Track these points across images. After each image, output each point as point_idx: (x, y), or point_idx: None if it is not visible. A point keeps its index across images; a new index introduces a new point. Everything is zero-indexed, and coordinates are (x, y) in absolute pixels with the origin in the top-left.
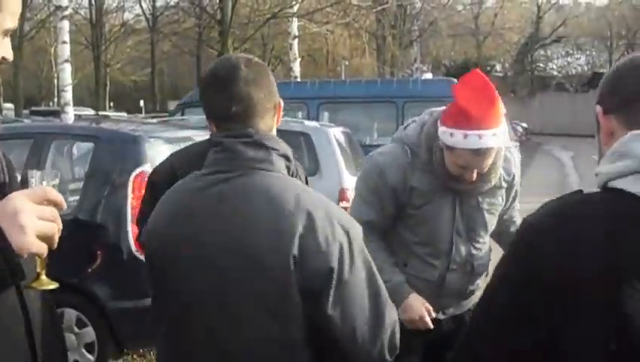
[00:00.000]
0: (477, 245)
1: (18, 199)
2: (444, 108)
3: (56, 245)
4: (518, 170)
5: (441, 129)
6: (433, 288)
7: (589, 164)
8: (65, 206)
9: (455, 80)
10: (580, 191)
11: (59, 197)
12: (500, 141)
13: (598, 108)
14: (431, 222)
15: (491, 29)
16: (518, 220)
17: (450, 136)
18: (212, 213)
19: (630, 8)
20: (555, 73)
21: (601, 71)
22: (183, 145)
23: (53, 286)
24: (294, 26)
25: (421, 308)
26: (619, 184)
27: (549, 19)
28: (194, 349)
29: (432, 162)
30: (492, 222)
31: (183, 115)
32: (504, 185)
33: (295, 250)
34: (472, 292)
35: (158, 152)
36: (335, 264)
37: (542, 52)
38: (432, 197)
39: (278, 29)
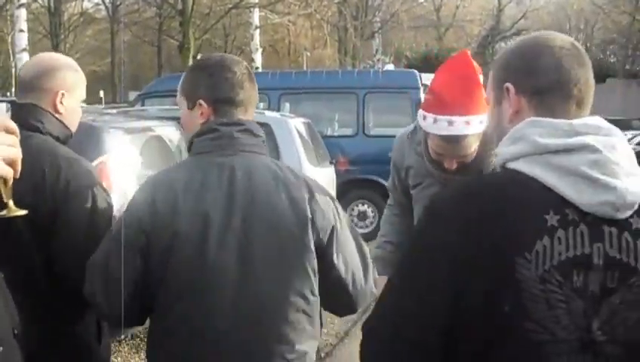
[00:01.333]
0: None
1: None
2: None
3: (19, 172)
4: None
5: (419, 111)
6: None
7: None
8: (18, 134)
9: (416, 71)
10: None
11: (14, 125)
12: (475, 129)
13: (510, 86)
14: (418, 207)
15: (452, 21)
16: None
17: (423, 118)
18: (229, 187)
19: (589, 2)
20: None
21: None
22: (142, 135)
23: (22, 212)
24: (256, 16)
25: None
26: (514, 165)
27: (510, 12)
28: (216, 314)
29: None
30: None
31: (143, 105)
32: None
33: (309, 213)
34: None
35: (118, 143)
36: (334, 222)
37: (502, 44)
38: (423, 180)
39: (240, 19)
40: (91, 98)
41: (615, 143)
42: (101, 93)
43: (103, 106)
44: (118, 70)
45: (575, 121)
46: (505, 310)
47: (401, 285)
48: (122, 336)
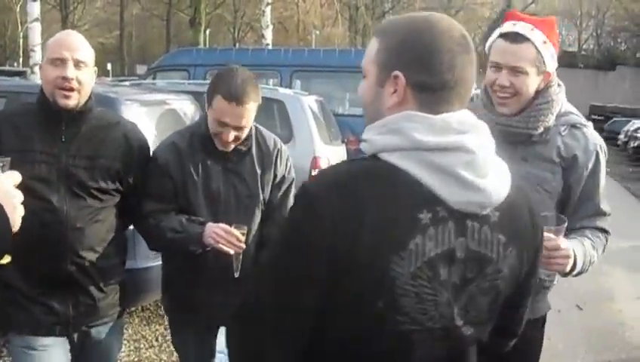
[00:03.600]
0: None
1: (9, 185)
2: None
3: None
4: (590, 157)
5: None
6: None
7: None
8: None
9: None
10: (355, 159)
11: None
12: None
13: (402, 77)
14: None
15: (463, 4)
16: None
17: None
18: None
19: None
20: None
21: (570, 49)
22: (157, 108)
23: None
24: None
25: None
26: (388, 157)
27: None
28: None
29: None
30: None
31: (154, 78)
32: (555, 159)
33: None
34: None
35: (134, 115)
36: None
37: None
38: None
39: None
40: (99, 71)
41: (485, 141)
42: (109, 66)
43: (111, 79)
44: (126, 43)
45: (451, 119)
46: (379, 306)
47: (275, 275)
48: (132, 308)
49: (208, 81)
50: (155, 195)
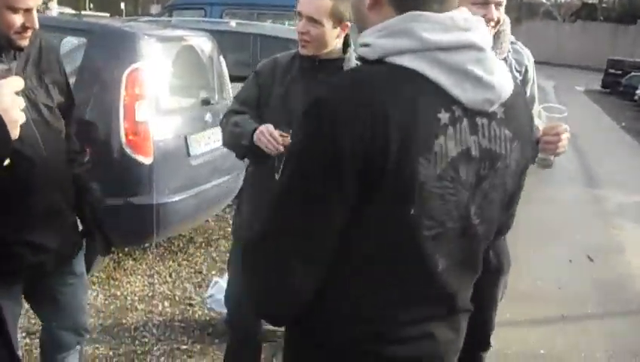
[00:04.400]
0: None
1: (10, 95)
2: None
3: None
4: (531, 66)
5: None
6: None
7: (569, 94)
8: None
9: None
10: (361, 65)
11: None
12: None
13: None
14: None
15: None
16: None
17: None
18: None
19: None
20: (544, 0)
21: (590, 1)
22: (175, 44)
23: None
24: None
25: None
26: (399, 60)
27: None
28: None
29: None
30: None
31: (170, 16)
32: (516, 75)
33: None
34: None
35: (152, 50)
36: None
37: None
38: None
39: None
40: (113, 10)
41: (487, 38)
42: (122, 5)
43: (124, 18)
44: None
45: (457, 16)
46: (411, 213)
47: (300, 196)
48: (147, 244)
49: (225, 20)
50: (240, 97)
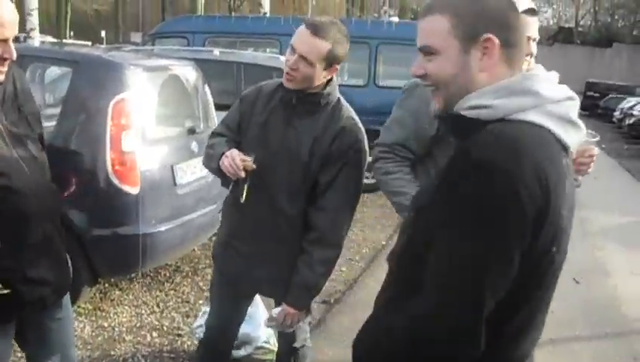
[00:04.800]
0: None
1: None
2: None
3: None
4: None
5: None
6: None
7: None
8: None
9: None
10: (496, 122)
11: None
12: None
13: (495, 39)
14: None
15: None
16: None
17: None
18: None
19: None
20: None
21: (567, 25)
22: (160, 74)
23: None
24: None
25: None
26: (524, 117)
27: None
28: None
29: None
30: None
31: (153, 44)
32: None
33: None
34: None
35: (138, 80)
36: None
37: None
38: None
39: None
40: (93, 38)
41: None
42: (103, 33)
43: (105, 47)
44: (121, 10)
45: (552, 75)
46: (552, 251)
47: (472, 250)
48: (133, 274)
49: (207, 49)
50: (225, 121)
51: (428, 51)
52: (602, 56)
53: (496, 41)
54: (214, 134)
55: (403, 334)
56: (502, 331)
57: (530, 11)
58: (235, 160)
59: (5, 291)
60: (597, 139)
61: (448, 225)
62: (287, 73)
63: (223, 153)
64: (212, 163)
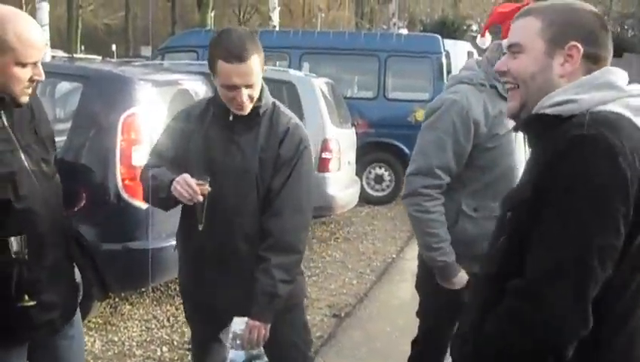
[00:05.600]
0: None
1: None
2: (495, 41)
3: None
4: None
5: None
6: None
7: None
8: None
9: (439, 36)
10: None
11: None
12: None
13: (580, 47)
14: (511, 153)
15: None
16: None
17: None
18: None
19: None
20: None
21: None
22: (170, 88)
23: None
24: None
25: (465, 277)
26: (604, 108)
27: None
28: None
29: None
30: None
31: (162, 59)
32: None
33: None
34: None
35: (148, 95)
36: None
37: None
38: (507, 125)
39: None
40: (104, 52)
41: None
42: (113, 47)
43: (116, 60)
44: (131, 25)
45: (623, 71)
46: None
47: (576, 232)
48: (144, 289)
49: None
50: (155, 152)
51: (515, 49)
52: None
53: (581, 50)
54: (147, 167)
55: (523, 320)
56: (608, 312)
57: None
58: (192, 185)
59: (31, 303)
60: None
61: (558, 204)
62: (237, 106)
63: (173, 180)
64: (160, 193)
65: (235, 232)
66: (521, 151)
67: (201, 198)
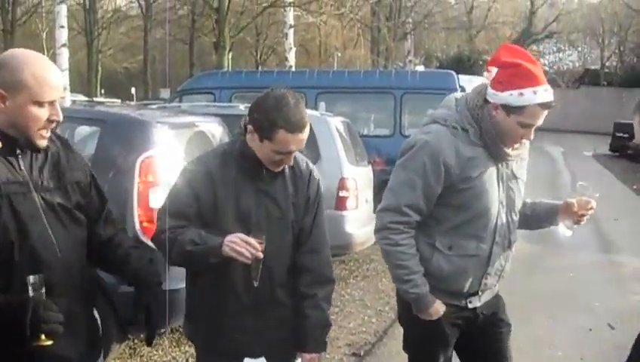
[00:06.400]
0: (514, 217)
1: None
2: (484, 81)
3: None
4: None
5: (505, 94)
6: (480, 265)
7: (578, 160)
8: None
9: (454, 73)
10: None
11: None
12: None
13: None
14: (484, 195)
15: (484, 24)
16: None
17: (520, 95)
18: None
19: (622, 5)
20: (547, 69)
21: (592, 67)
22: (187, 131)
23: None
24: (290, 15)
25: (441, 307)
26: None
27: (542, 14)
28: None
29: (481, 133)
30: (522, 192)
31: (180, 101)
32: (526, 156)
33: None
34: (504, 272)
35: (164, 137)
36: None
37: (534, 47)
38: (485, 168)
39: (273, 18)
40: (123, 95)
41: None
42: (133, 90)
43: (135, 103)
44: (150, 67)
45: None
46: None
47: None
48: (162, 331)
49: (234, 104)
50: (175, 213)
51: None
52: (630, 97)
53: None
54: (174, 229)
55: None
56: None
57: (546, 105)
58: (253, 244)
59: (48, 342)
60: (596, 195)
61: None
62: (278, 164)
63: (221, 243)
64: (211, 258)
65: (274, 278)
66: (495, 191)
67: (261, 255)
